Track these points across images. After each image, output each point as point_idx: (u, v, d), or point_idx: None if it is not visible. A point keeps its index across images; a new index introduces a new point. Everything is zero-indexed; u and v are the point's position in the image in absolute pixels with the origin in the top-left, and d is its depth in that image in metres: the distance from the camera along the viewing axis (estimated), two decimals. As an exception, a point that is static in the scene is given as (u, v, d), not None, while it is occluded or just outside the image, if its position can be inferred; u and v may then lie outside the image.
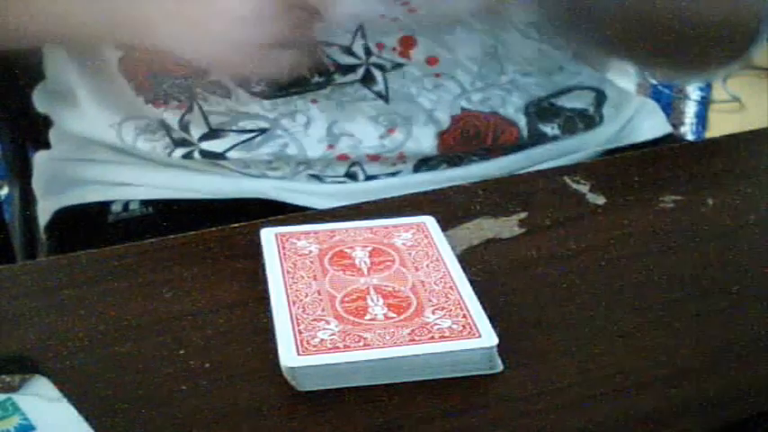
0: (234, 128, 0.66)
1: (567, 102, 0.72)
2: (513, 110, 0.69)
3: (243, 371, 0.42)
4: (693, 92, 2.09)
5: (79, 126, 0.71)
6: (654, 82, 1.86)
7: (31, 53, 0.74)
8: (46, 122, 0.76)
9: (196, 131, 0.66)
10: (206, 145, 0.66)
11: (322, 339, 0.43)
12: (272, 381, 0.41)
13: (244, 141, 0.66)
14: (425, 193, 0.60)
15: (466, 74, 0.67)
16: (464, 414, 0.41)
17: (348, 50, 0.64)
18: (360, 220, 0.53)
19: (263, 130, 0.66)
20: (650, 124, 0.80)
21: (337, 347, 0.43)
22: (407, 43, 0.64)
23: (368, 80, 0.65)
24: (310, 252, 0.49)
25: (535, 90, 0.70)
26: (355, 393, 0.42)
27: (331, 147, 0.66)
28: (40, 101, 0.76)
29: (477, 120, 0.67)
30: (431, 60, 0.65)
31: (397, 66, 0.65)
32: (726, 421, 0.42)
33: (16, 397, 0.40)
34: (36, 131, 0.77)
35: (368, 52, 0.64)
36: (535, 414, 0.41)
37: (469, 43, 0.65)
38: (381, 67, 0.65)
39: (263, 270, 0.47)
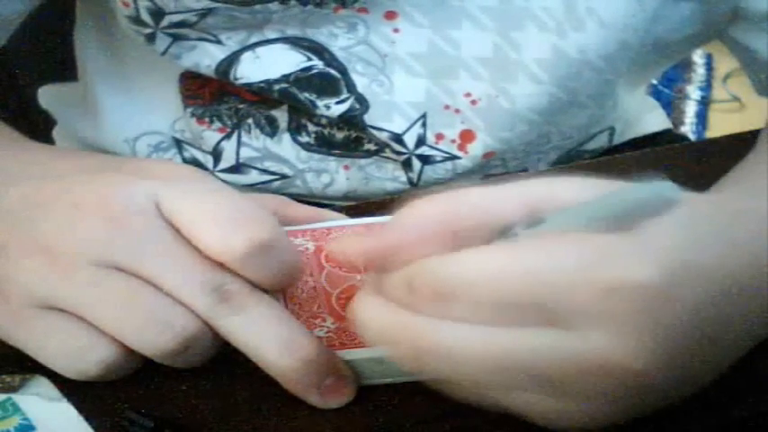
0: (258, 165, 0.65)
1: (589, 146, 0.72)
2: (543, 165, 0.68)
3: (243, 371, 0.42)
4: (693, 92, 2.08)
5: (91, 134, 0.70)
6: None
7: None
8: (46, 123, 0.75)
9: (222, 162, 0.66)
10: (220, 176, 0.66)
11: (318, 337, 0.43)
12: (272, 381, 0.41)
13: (262, 183, 0.66)
14: (424, 192, 0.59)
15: (512, 154, 0.65)
16: (464, 414, 0.41)
17: (397, 139, 0.62)
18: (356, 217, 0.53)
19: (283, 176, 0.65)
20: (650, 119, 0.80)
21: (333, 345, 0.43)
22: (467, 137, 0.63)
23: (405, 166, 0.64)
24: (307, 249, 0.49)
25: (570, 145, 0.69)
26: (355, 393, 0.42)
27: (339, 211, 0.66)
28: (47, 99, 0.75)
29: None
30: (487, 155, 0.63)
31: (450, 158, 0.63)
32: (726, 421, 0.42)
33: (16, 397, 0.40)
34: (36, 132, 0.77)
35: (420, 142, 0.63)
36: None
37: (527, 134, 0.64)
38: (424, 159, 0.63)
39: None
